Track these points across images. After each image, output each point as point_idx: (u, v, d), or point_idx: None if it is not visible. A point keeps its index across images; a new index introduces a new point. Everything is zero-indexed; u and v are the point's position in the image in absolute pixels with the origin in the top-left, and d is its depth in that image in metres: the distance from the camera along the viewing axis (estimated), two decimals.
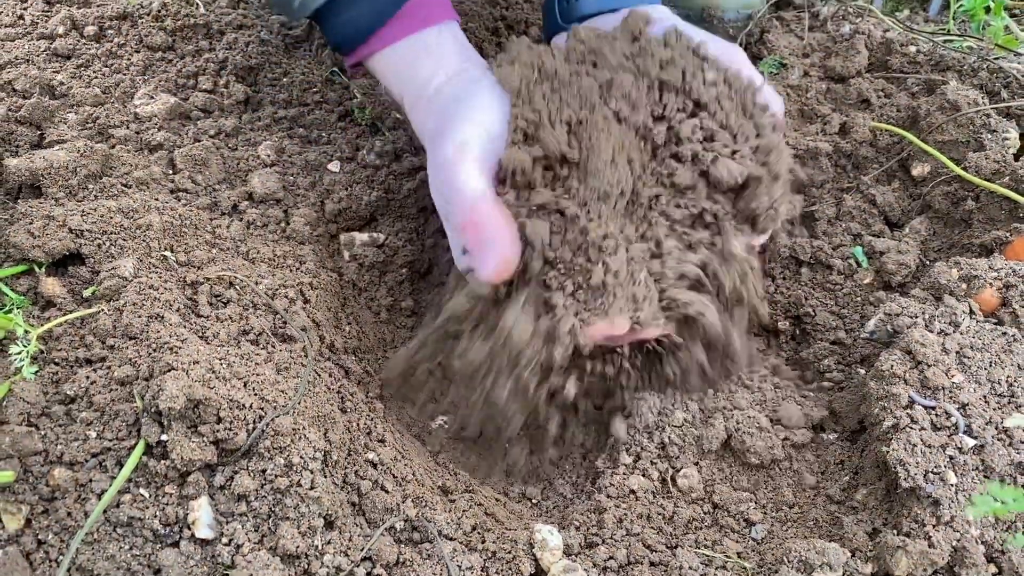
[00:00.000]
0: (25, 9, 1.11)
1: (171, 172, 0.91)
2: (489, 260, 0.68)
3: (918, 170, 1.02)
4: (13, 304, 0.70)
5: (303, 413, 0.68)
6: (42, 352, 0.68)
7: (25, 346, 0.65)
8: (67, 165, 0.82)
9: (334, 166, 0.99)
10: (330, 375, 0.80)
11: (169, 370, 0.63)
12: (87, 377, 0.65)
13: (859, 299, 0.94)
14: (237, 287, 0.79)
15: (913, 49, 1.16)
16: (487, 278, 0.69)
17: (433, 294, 0.97)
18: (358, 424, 0.76)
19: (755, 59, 1.27)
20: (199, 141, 0.95)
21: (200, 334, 0.72)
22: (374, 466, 0.72)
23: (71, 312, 0.71)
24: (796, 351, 0.94)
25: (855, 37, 1.19)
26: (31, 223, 0.76)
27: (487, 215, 0.68)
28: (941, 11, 1.33)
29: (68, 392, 0.64)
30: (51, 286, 0.73)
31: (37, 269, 0.74)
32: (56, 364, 0.67)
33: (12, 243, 0.74)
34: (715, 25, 1.24)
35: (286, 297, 0.82)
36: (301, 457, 0.63)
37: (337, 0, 0.78)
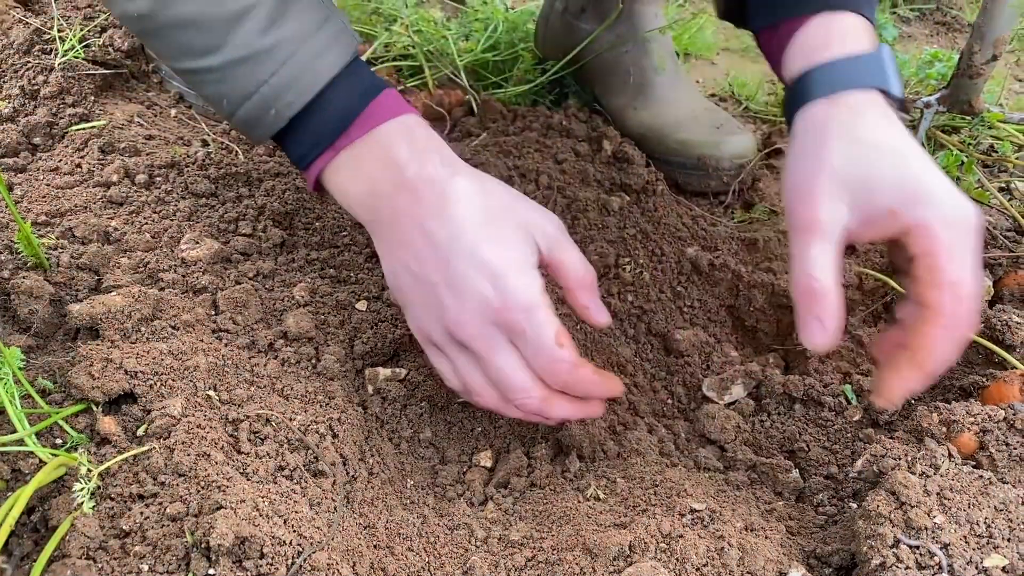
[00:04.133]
0: (82, 158, 1.22)
1: (214, 313, 1.00)
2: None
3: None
4: (75, 442, 0.77)
5: (335, 548, 0.74)
6: (99, 488, 0.74)
7: (87, 483, 0.72)
8: (123, 310, 0.91)
9: (361, 305, 1.08)
10: (358, 503, 0.86)
11: (219, 508, 0.70)
12: (141, 513, 0.72)
13: (849, 435, 1.00)
14: (273, 424, 0.86)
15: None
16: None
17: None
18: (383, 558, 0.81)
19: (747, 206, 1.38)
20: (239, 284, 1.04)
21: (242, 471, 0.79)
22: None
23: (125, 450, 0.78)
24: (792, 485, 1.00)
25: None
26: (91, 365, 0.84)
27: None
28: None
29: (123, 527, 0.71)
30: (108, 424, 0.80)
31: (95, 408, 0.82)
32: (112, 499, 0.74)
33: (74, 384, 0.82)
34: (710, 173, 1.36)
35: (317, 432, 0.88)
36: None
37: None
